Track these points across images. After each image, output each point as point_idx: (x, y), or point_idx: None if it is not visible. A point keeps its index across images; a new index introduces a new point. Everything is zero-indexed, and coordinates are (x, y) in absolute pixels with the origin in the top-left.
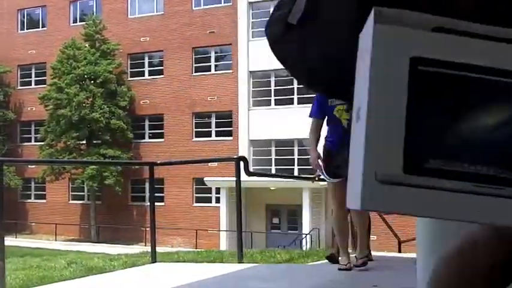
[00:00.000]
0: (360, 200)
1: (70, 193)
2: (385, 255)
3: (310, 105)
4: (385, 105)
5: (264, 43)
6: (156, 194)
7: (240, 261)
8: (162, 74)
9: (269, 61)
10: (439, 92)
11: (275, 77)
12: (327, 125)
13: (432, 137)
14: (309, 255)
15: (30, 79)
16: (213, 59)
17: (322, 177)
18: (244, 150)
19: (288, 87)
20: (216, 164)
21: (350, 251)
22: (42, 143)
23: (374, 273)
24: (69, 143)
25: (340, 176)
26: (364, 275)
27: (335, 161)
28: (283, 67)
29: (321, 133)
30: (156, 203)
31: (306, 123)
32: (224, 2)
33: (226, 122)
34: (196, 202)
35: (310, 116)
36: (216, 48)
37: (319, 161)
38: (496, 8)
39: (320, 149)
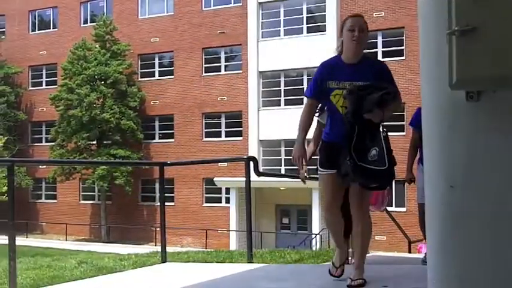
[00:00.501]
0: None
1: (81, 193)
2: (395, 256)
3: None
4: None
5: (273, 43)
6: (166, 194)
7: (250, 261)
8: (172, 75)
9: (279, 61)
10: None
11: (285, 77)
12: (326, 112)
13: None
14: (319, 256)
15: (41, 80)
16: (223, 60)
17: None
18: (253, 150)
19: (298, 87)
20: (225, 164)
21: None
22: (53, 144)
23: (384, 273)
24: (79, 143)
25: (335, 168)
26: (374, 275)
27: (331, 155)
28: (292, 67)
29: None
30: (166, 203)
31: (316, 123)
32: (234, 3)
33: (236, 122)
34: (206, 202)
35: (305, 94)
36: (226, 48)
37: (303, 159)
38: None
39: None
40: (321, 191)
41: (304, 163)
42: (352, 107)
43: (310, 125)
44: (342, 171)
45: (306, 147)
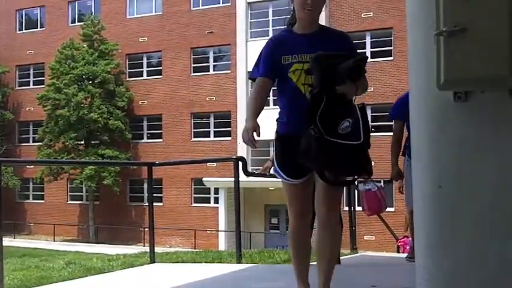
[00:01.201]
0: None
1: (68, 193)
2: (384, 255)
3: None
4: None
5: (262, 43)
6: (155, 194)
7: (239, 261)
8: (161, 74)
9: None
10: None
11: None
12: (279, 96)
13: None
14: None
15: (28, 79)
16: (211, 59)
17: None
18: (242, 150)
19: None
20: (214, 164)
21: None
22: (40, 143)
23: (373, 273)
24: (67, 143)
25: (302, 174)
26: (363, 275)
27: (293, 152)
28: None
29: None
30: (154, 203)
31: None
32: (223, 3)
33: (225, 122)
34: (195, 202)
35: (251, 77)
36: (214, 48)
37: (255, 134)
38: None
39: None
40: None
41: (255, 138)
42: (320, 80)
43: (261, 109)
44: (301, 149)
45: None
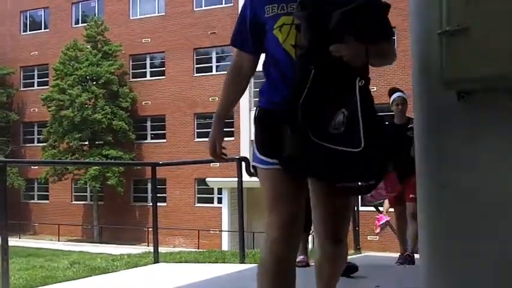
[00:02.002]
0: None
1: (73, 194)
2: (387, 256)
3: None
4: None
5: None
6: (158, 195)
7: (242, 261)
8: (164, 75)
9: None
10: None
11: None
12: (264, 61)
13: None
14: (311, 256)
15: (32, 80)
16: (214, 60)
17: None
18: (245, 150)
19: None
20: (217, 164)
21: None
22: (44, 144)
23: (376, 273)
24: (71, 144)
25: (286, 159)
26: (367, 275)
27: (274, 132)
28: None
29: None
30: (158, 204)
31: None
32: (225, 3)
33: (228, 123)
34: (198, 202)
35: (232, 43)
36: (217, 48)
37: (217, 145)
38: None
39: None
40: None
41: (222, 151)
42: (308, 36)
43: (236, 102)
44: (285, 153)
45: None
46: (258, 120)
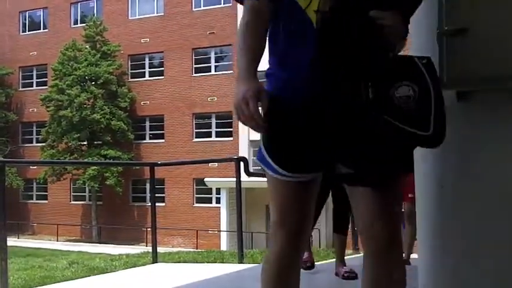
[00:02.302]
0: None
1: (71, 194)
2: None
3: None
4: None
5: None
6: (157, 195)
7: (241, 261)
8: (163, 75)
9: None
10: None
11: None
12: (273, 35)
13: None
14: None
15: (31, 81)
16: (213, 60)
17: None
18: (244, 150)
19: None
20: (216, 164)
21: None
22: (43, 144)
23: None
24: (70, 144)
25: (309, 165)
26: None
27: (294, 128)
28: None
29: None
30: (156, 203)
31: None
32: (224, 3)
33: (227, 123)
34: (197, 202)
35: None
36: (216, 49)
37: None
38: None
39: None
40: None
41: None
42: None
43: (261, 56)
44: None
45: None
46: (273, 112)
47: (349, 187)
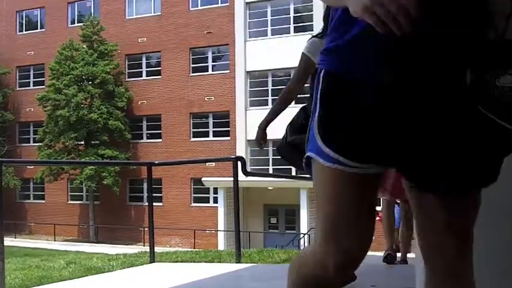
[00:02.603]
0: None
1: (69, 193)
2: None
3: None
4: None
5: (260, 43)
6: (154, 194)
7: (238, 261)
8: (160, 75)
9: (266, 61)
10: None
11: (272, 77)
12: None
13: None
14: None
15: (28, 80)
16: (210, 59)
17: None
18: (241, 150)
19: (285, 87)
20: (213, 164)
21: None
22: (40, 144)
23: (372, 273)
24: (67, 143)
25: (376, 154)
26: (362, 275)
27: (353, 112)
28: (279, 67)
29: None
30: (154, 203)
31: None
32: (221, 3)
33: (224, 122)
34: (194, 202)
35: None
36: (213, 48)
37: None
38: None
39: None
40: (317, 195)
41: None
42: None
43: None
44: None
45: None
46: (327, 91)
47: (413, 190)
